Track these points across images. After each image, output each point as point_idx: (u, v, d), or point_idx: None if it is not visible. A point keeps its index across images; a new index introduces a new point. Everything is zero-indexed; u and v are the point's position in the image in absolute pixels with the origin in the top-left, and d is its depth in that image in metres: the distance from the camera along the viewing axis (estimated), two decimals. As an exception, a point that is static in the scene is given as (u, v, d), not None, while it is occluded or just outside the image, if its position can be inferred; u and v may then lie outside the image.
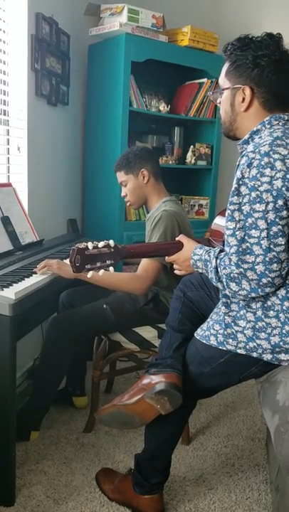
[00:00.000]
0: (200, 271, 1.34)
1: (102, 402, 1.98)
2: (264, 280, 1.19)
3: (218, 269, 1.26)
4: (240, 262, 1.20)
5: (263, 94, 1.29)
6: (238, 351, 1.31)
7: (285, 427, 1.15)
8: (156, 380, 1.35)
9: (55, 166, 2.65)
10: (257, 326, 1.27)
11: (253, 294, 1.23)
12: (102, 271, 1.31)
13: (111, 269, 1.32)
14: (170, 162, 2.93)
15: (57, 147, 2.65)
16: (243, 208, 1.20)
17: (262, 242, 1.17)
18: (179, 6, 3.09)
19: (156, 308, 1.92)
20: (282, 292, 1.24)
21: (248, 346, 1.29)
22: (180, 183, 3.15)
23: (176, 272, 1.45)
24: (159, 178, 2.01)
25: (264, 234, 1.17)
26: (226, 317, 1.32)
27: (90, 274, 1.28)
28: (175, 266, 1.44)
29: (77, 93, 2.86)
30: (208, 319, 1.40)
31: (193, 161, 3.03)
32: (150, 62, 2.65)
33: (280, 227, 1.16)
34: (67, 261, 1.95)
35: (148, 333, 1.91)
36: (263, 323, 1.26)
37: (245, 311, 1.29)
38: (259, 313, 1.27)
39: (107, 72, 2.69)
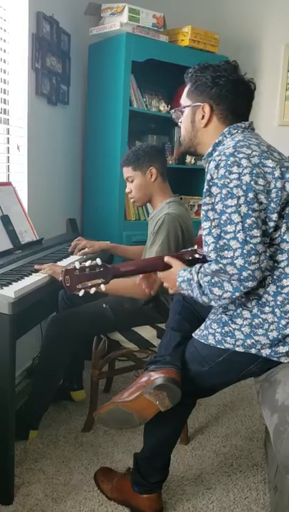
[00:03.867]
0: (185, 293, 1.36)
1: (101, 402, 1.99)
2: (244, 274, 1.20)
3: (200, 281, 1.28)
4: (218, 258, 1.22)
5: (222, 111, 1.39)
6: (237, 349, 1.31)
7: (284, 427, 1.16)
8: (156, 376, 1.35)
9: (55, 166, 2.65)
10: (254, 323, 1.28)
11: (237, 294, 1.23)
12: (93, 289, 1.36)
13: (102, 287, 1.37)
14: (170, 162, 2.93)
15: (57, 146, 2.65)
16: (216, 207, 1.24)
17: (238, 235, 1.20)
18: (179, 6, 3.09)
19: (156, 307, 1.92)
20: (272, 288, 1.26)
21: (246, 343, 1.29)
22: (180, 183, 3.14)
23: (170, 291, 1.46)
24: (165, 177, 2.00)
25: (239, 227, 1.20)
26: (224, 316, 1.33)
27: (81, 292, 1.34)
28: (165, 284, 1.46)
29: (78, 92, 2.86)
30: (206, 319, 1.41)
31: (192, 161, 3.04)
32: (150, 62, 2.65)
33: (253, 219, 1.20)
34: (67, 260, 1.95)
35: (147, 332, 1.91)
36: (260, 319, 1.27)
37: (241, 309, 1.30)
38: (255, 310, 1.28)
39: (107, 71, 2.69)
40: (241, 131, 1.37)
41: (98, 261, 1.38)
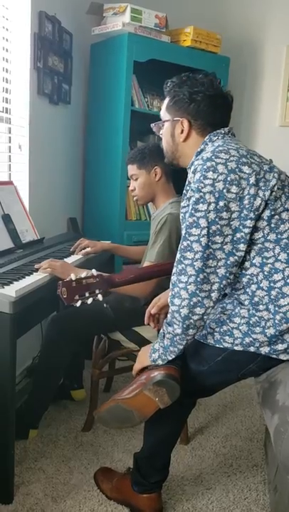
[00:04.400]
0: (156, 355, 1.38)
1: (101, 401, 1.98)
2: (201, 275, 1.25)
3: (167, 319, 1.33)
4: (182, 259, 1.27)
5: (200, 126, 1.42)
6: (235, 348, 1.32)
7: (285, 427, 1.16)
8: (155, 373, 1.36)
9: (56, 165, 2.65)
10: (251, 322, 1.29)
11: (194, 298, 1.26)
12: (90, 299, 1.42)
13: (99, 297, 1.44)
14: (172, 162, 2.93)
15: (58, 146, 2.65)
16: (188, 208, 1.29)
17: (201, 239, 1.25)
18: (182, 7, 3.09)
19: (157, 307, 1.92)
20: (265, 284, 1.28)
21: (244, 342, 1.30)
22: (180, 184, 3.14)
23: (135, 366, 1.46)
24: (169, 178, 2.00)
25: (204, 232, 1.24)
26: (222, 315, 1.34)
27: (78, 303, 1.40)
28: (136, 365, 1.46)
29: (79, 92, 2.86)
30: None
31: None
32: (152, 62, 2.65)
33: (218, 226, 1.24)
34: (69, 259, 1.95)
35: (148, 332, 1.91)
36: (256, 317, 1.28)
37: (239, 308, 1.32)
38: (251, 309, 1.29)
39: (109, 71, 2.69)
40: (222, 136, 1.39)
41: (94, 272, 1.45)
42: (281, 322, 1.25)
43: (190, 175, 1.36)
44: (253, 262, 1.28)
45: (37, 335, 2.31)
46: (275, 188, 1.26)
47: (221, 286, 1.27)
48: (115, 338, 1.96)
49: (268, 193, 1.25)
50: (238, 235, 1.25)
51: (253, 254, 1.28)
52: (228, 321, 1.33)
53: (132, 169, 1.99)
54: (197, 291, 1.26)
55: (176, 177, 2.04)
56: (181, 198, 2.03)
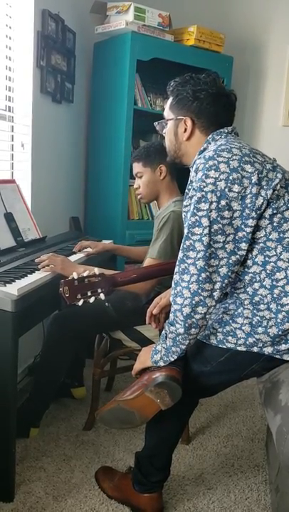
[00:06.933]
0: (158, 357, 1.37)
1: (103, 400, 1.99)
2: (203, 275, 1.25)
3: (169, 319, 1.33)
4: (184, 258, 1.27)
5: (203, 124, 1.42)
6: (238, 348, 1.32)
7: (287, 427, 1.15)
8: (156, 374, 1.36)
9: (59, 164, 2.65)
10: (253, 322, 1.29)
11: (196, 297, 1.26)
12: (92, 298, 1.43)
13: (102, 296, 1.45)
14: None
15: (61, 144, 2.65)
16: (190, 207, 1.29)
17: (203, 238, 1.24)
18: (185, 6, 3.09)
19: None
20: (268, 282, 1.27)
21: (247, 342, 1.30)
22: (183, 183, 3.14)
23: (135, 366, 1.46)
24: (174, 177, 2.00)
25: (206, 231, 1.24)
26: (225, 315, 1.34)
27: (80, 302, 1.41)
28: (136, 364, 1.45)
29: (82, 91, 2.86)
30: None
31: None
32: (156, 61, 2.64)
33: (220, 225, 1.24)
34: (70, 258, 1.95)
35: (149, 331, 1.91)
36: (258, 317, 1.28)
37: (242, 308, 1.31)
38: (252, 309, 1.29)
39: (112, 70, 2.69)
40: (224, 136, 1.39)
41: (96, 271, 1.45)
42: (283, 321, 1.25)
43: (192, 174, 1.36)
44: (256, 260, 1.28)
45: (39, 333, 2.31)
46: (278, 187, 1.26)
47: (223, 285, 1.27)
48: (117, 337, 1.95)
49: (270, 192, 1.24)
50: (240, 234, 1.25)
51: (255, 252, 1.28)
52: (230, 321, 1.32)
53: (137, 167, 1.99)
54: (199, 291, 1.25)
55: (181, 177, 2.04)
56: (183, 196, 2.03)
